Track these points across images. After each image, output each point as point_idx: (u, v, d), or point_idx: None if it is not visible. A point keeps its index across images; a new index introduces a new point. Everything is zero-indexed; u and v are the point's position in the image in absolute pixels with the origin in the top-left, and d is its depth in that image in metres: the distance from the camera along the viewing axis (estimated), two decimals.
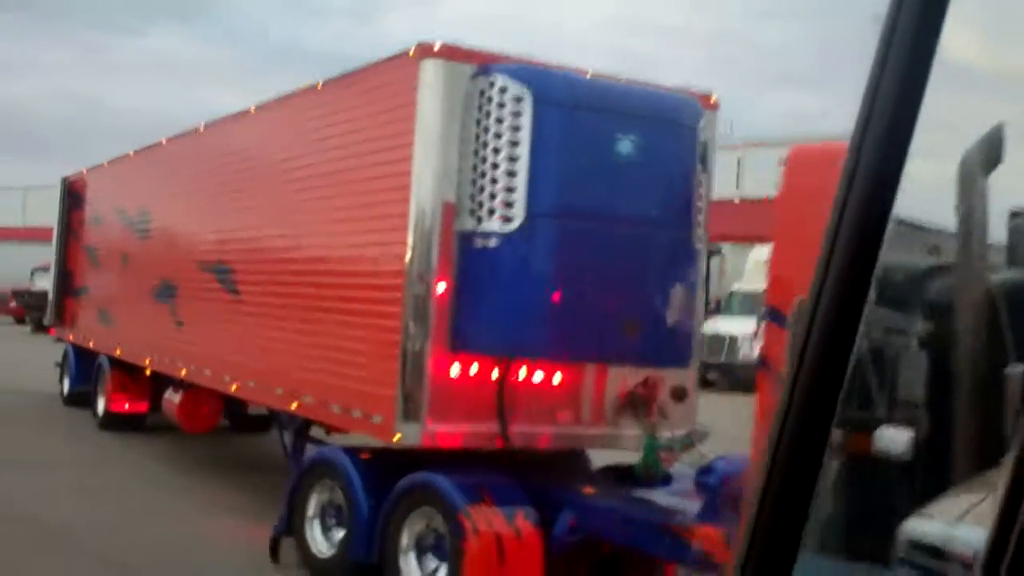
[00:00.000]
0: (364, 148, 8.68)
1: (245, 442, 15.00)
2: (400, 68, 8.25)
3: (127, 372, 15.12)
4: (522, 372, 8.01)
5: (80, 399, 17.09)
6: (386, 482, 8.19)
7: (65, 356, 18.21)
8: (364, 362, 8.42)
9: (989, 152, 4.30)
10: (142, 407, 15.44)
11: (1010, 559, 1.16)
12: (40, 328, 35.84)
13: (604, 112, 7.83)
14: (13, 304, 38.99)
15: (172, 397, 13.48)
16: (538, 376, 8.07)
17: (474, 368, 7.91)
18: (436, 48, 7.93)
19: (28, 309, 36.82)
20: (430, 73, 7.93)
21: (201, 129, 12.46)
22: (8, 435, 14.53)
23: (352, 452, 8.68)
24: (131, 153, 15.27)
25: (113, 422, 15.47)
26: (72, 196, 18.35)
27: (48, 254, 35.18)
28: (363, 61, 8.90)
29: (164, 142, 13.86)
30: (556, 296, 7.67)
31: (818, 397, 1.11)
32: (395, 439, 7.97)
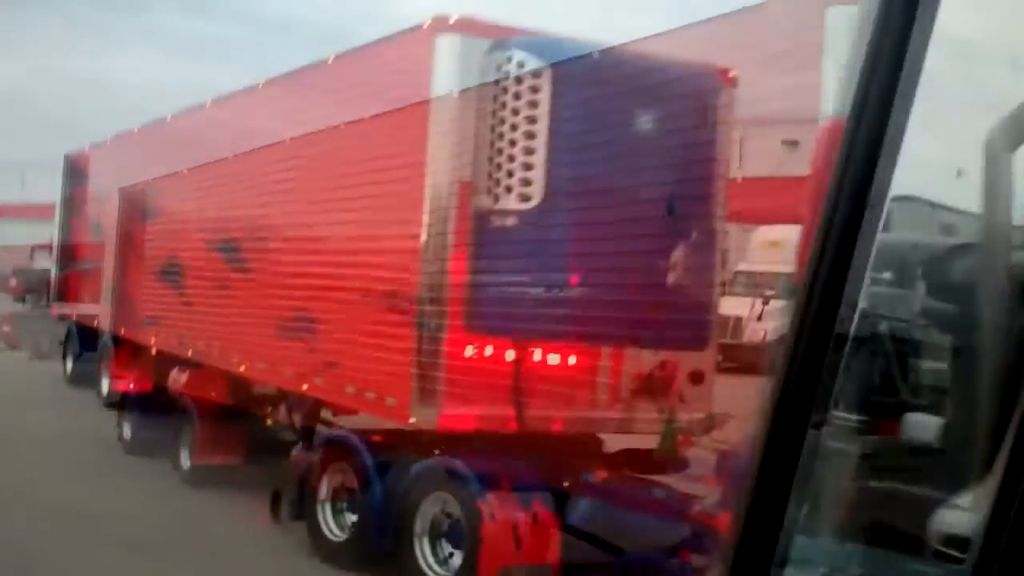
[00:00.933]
0: None
1: None
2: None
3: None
4: (536, 355, 7.96)
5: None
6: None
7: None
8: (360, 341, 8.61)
9: (1016, 128, 4.15)
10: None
11: (1004, 548, 1.18)
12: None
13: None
14: (14, 283, 36.18)
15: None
16: (553, 359, 8.00)
17: (488, 350, 7.88)
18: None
19: (30, 290, 34.25)
20: None
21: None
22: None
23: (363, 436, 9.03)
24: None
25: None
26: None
27: (49, 232, 32.65)
28: (365, 35, 7.94)
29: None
30: (574, 280, 7.69)
31: (808, 371, 1.11)
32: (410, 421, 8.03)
